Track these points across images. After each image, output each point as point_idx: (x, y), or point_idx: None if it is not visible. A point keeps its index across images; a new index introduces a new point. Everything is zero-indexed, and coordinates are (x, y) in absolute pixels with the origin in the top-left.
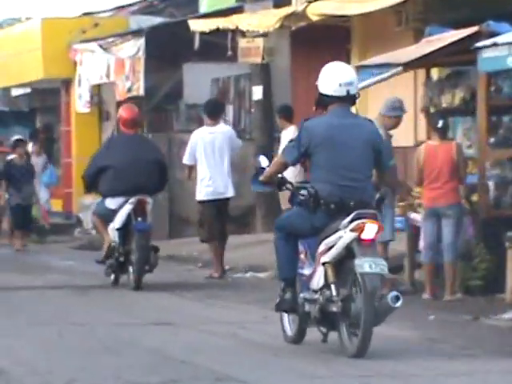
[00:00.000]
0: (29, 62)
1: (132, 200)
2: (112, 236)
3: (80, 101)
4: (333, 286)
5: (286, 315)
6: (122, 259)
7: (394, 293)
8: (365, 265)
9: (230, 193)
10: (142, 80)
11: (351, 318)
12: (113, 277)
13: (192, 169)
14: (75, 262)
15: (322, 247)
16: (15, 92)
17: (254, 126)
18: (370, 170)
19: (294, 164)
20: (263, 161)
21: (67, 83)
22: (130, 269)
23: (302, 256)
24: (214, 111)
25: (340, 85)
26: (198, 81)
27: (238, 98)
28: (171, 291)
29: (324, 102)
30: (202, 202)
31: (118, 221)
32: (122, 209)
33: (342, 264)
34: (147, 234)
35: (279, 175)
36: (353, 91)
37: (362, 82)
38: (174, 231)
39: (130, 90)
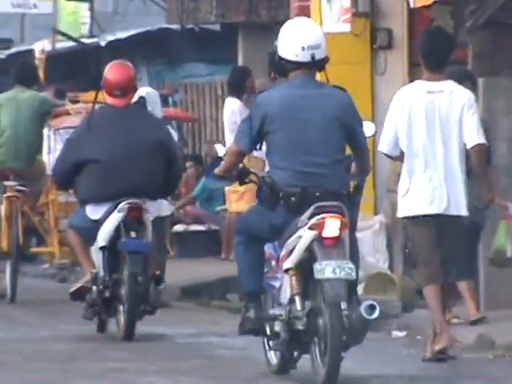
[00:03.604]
0: None
1: (122, 206)
2: (95, 260)
3: None
4: (297, 298)
5: (265, 341)
6: (107, 294)
7: (368, 301)
8: (326, 269)
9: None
10: None
11: (320, 336)
12: (96, 320)
13: None
14: None
15: (283, 250)
16: None
17: None
18: (340, 151)
19: (250, 151)
20: (220, 149)
21: None
22: (121, 308)
23: (274, 263)
24: None
25: (303, 48)
26: None
27: None
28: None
29: (284, 68)
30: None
31: (103, 236)
32: (108, 219)
33: (309, 270)
34: (144, 257)
35: (240, 165)
36: (319, 55)
37: None
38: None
39: None
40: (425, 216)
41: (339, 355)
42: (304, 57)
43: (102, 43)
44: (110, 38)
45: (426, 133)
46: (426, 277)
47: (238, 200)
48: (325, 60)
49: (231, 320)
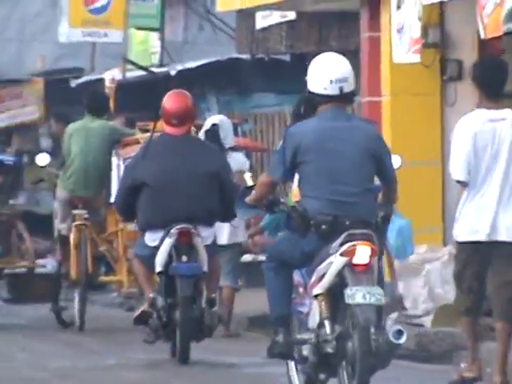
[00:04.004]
0: None
1: (172, 231)
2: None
3: None
4: (326, 323)
5: (292, 364)
6: (164, 318)
7: (397, 327)
8: (357, 295)
9: None
10: None
11: (349, 359)
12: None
13: None
14: None
15: (314, 277)
16: None
17: None
18: (369, 181)
19: (282, 182)
20: (248, 179)
21: None
22: (177, 332)
23: (301, 290)
24: None
25: (331, 81)
26: None
27: None
28: None
29: (313, 102)
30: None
31: (159, 262)
32: (162, 245)
33: (339, 295)
34: (196, 281)
35: (269, 196)
36: (347, 89)
37: None
38: None
39: None
40: (476, 242)
41: (367, 378)
42: (333, 90)
43: (172, 72)
44: (180, 67)
45: (488, 160)
46: (465, 308)
47: None
48: (353, 93)
49: None
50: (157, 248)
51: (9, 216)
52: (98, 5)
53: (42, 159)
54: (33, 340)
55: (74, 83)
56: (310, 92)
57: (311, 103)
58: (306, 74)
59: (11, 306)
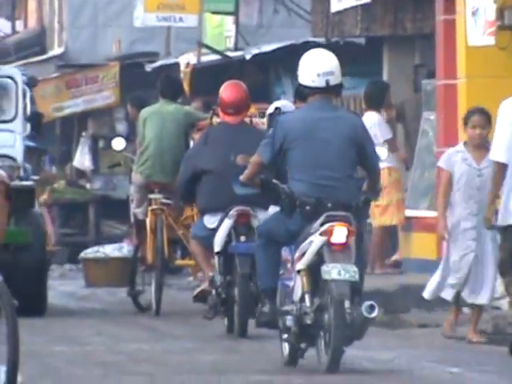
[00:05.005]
0: None
1: (231, 213)
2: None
3: None
4: (307, 296)
5: (285, 334)
6: (223, 295)
7: (369, 302)
8: (332, 271)
9: None
10: None
11: (325, 330)
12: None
13: None
14: None
15: (297, 253)
16: None
17: None
18: (351, 168)
19: (270, 164)
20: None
21: None
22: (235, 308)
23: (289, 265)
24: None
25: (318, 75)
26: None
27: None
28: None
29: (303, 93)
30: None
31: (217, 242)
32: (221, 226)
33: (318, 272)
34: (253, 260)
35: (261, 175)
36: (334, 81)
37: None
38: None
39: None
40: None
41: (340, 347)
42: (320, 82)
43: (247, 56)
44: (255, 51)
45: None
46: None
47: (382, 214)
48: (340, 86)
49: (375, 333)
50: (215, 230)
51: None
52: None
53: (118, 144)
54: (109, 324)
55: (148, 67)
56: (300, 84)
57: (301, 95)
58: (381, 57)
59: (87, 290)
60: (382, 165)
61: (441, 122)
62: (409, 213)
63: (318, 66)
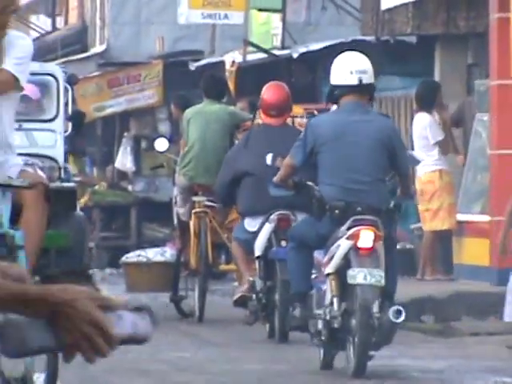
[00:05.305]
0: None
1: (272, 217)
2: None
3: None
4: (335, 300)
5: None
6: (263, 300)
7: (396, 307)
8: (358, 276)
9: None
10: None
11: (352, 334)
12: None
13: None
14: None
15: (326, 257)
16: None
17: None
18: (382, 171)
19: (302, 166)
20: (269, 159)
21: None
22: (276, 313)
23: (322, 269)
24: None
25: (351, 72)
26: None
27: None
28: None
29: (335, 95)
30: None
31: (258, 246)
32: (262, 230)
33: (346, 276)
34: None
35: (294, 178)
36: (367, 80)
37: None
38: None
39: None
40: None
41: (366, 352)
42: (352, 80)
43: (294, 55)
44: (303, 49)
45: None
46: None
47: (432, 218)
48: (373, 86)
49: (426, 342)
50: (255, 233)
51: None
52: None
53: (161, 144)
54: None
55: (193, 66)
56: (332, 86)
57: (333, 97)
58: (433, 57)
59: (128, 295)
60: (433, 167)
61: (494, 124)
62: (461, 217)
63: (351, 64)
